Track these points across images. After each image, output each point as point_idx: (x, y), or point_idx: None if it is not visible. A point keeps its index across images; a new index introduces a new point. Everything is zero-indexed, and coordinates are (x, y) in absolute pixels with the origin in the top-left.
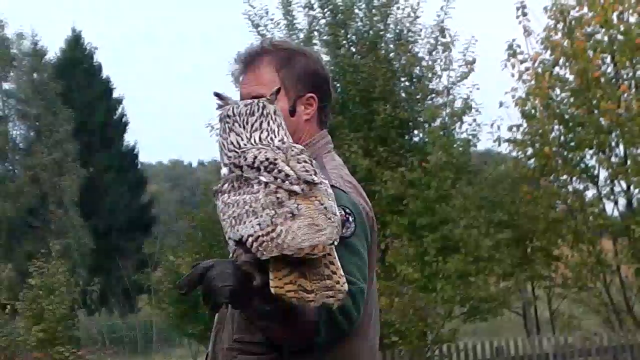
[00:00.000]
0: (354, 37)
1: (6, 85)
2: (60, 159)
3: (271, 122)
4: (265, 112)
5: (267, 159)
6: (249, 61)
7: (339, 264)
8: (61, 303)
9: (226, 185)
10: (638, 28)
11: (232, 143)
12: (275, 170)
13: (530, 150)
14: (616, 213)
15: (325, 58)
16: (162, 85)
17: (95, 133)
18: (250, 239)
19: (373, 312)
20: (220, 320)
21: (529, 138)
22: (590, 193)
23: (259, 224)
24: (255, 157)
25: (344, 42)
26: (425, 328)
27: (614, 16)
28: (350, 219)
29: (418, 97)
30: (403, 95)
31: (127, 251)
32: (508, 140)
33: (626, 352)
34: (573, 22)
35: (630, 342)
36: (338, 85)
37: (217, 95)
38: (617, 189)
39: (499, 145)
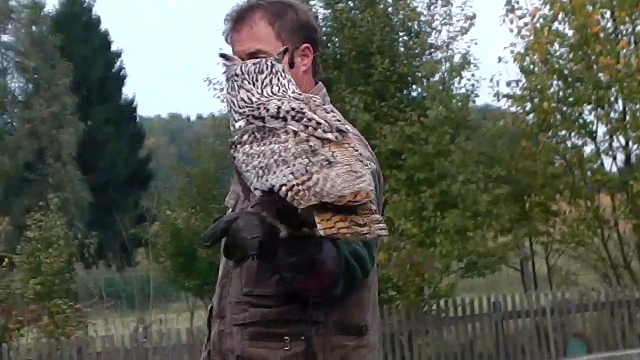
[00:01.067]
0: None
1: (4, 38)
2: (58, 112)
3: (281, 78)
4: (274, 70)
5: (293, 109)
6: (240, 19)
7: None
8: (59, 256)
9: (245, 136)
10: None
11: (242, 99)
12: (305, 119)
13: (529, 106)
14: (614, 169)
15: (324, 12)
16: (161, 39)
17: (93, 86)
18: (283, 189)
19: (375, 282)
20: (226, 274)
21: (527, 93)
22: (588, 149)
23: (292, 173)
24: (279, 107)
25: None
26: (423, 283)
27: None
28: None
29: (417, 51)
30: (402, 50)
31: (125, 205)
32: (507, 96)
33: (623, 308)
34: None
35: (628, 297)
36: (336, 39)
37: (222, 55)
38: (615, 144)
39: (498, 100)
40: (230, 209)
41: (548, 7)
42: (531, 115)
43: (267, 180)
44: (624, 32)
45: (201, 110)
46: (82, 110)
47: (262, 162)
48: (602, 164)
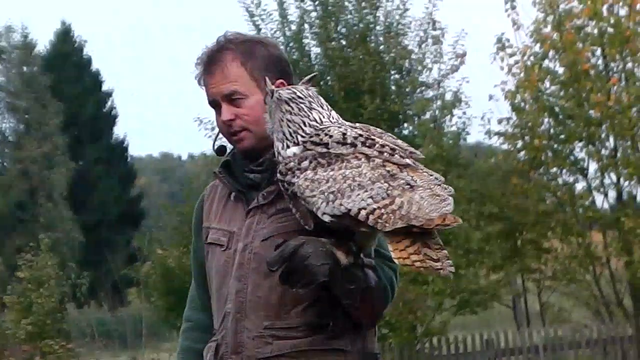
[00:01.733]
0: (343, 30)
1: None
2: (49, 152)
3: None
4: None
5: (360, 135)
6: (211, 61)
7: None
8: (50, 296)
9: (306, 162)
10: (627, 20)
11: (315, 120)
12: (378, 145)
13: (520, 143)
14: (606, 205)
15: (316, 51)
16: (151, 79)
17: (84, 126)
18: (363, 212)
19: None
20: (239, 309)
21: (518, 131)
22: (580, 186)
23: (371, 197)
24: (345, 134)
25: (334, 35)
26: (416, 321)
27: (604, 8)
28: None
29: (408, 90)
30: (393, 88)
31: (117, 245)
32: (498, 133)
33: (616, 344)
34: (562, 15)
35: (620, 334)
36: (328, 78)
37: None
38: (606, 181)
39: (489, 138)
40: (223, 247)
41: (538, 45)
42: (522, 153)
43: (340, 205)
44: (615, 69)
45: (192, 149)
46: (73, 150)
47: (333, 187)
48: (593, 201)
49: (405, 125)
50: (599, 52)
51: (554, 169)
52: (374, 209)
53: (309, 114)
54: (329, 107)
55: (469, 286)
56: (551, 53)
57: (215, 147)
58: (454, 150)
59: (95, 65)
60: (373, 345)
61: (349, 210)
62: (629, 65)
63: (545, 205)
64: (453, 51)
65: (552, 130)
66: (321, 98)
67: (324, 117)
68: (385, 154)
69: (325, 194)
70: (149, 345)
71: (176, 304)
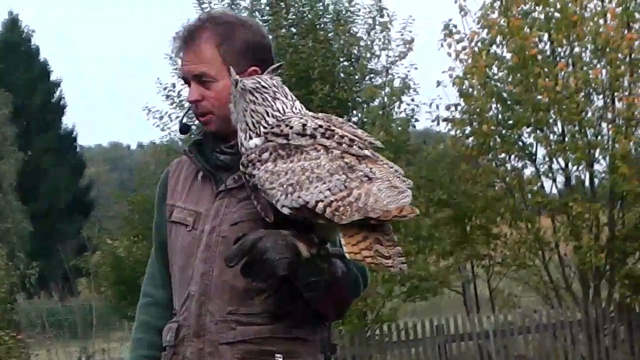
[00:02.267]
0: (294, 17)
1: None
2: None
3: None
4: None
5: (320, 126)
6: (188, 38)
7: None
8: None
9: (266, 154)
10: (574, 5)
11: (278, 110)
12: (337, 136)
13: (468, 129)
14: (555, 191)
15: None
16: (100, 68)
17: (33, 116)
18: (320, 205)
19: None
20: (204, 292)
21: (467, 117)
22: (528, 171)
23: (329, 189)
24: (305, 125)
25: (284, 22)
26: (366, 308)
27: None
28: None
29: (357, 77)
30: (342, 75)
31: (67, 235)
32: (446, 120)
33: (565, 329)
34: (509, 1)
35: (570, 318)
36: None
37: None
38: (555, 166)
39: (438, 124)
40: (188, 227)
41: (486, 30)
42: (471, 139)
43: (299, 197)
44: (562, 54)
45: (142, 138)
46: (22, 140)
47: (292, 179)
48: (542, 186)
49: (355, 112)
50: (546, 37)
51: (503, 155)
52: (331, 202)
53: (273, 104)
54: (293, 97)
55: (419, 272)
56: (499, 39)
57: (180, 125)
58: (402, 137)
59: (43, 55)
60: (332, 334)
61: (307, 202)
62: (576, 49)
63: (494, 191)
64: (401, 38)
65: (500, 116)
66: (285, 88)
67: (287, 107)
68: (344, 145)
69: (284, 186)
70: (99, 335)
71: (126, 294)
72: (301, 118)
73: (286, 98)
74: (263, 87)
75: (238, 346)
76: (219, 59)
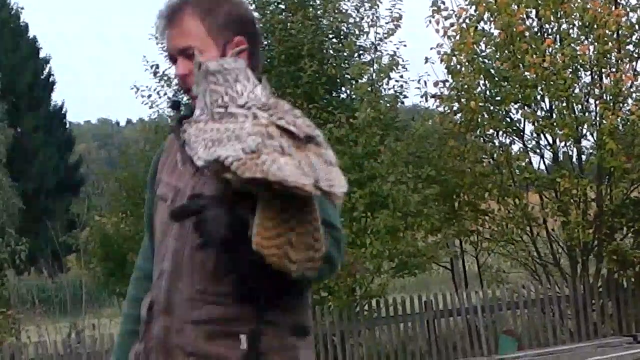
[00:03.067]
0: None
1: None
2: None
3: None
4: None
5: (264, 104)
6: (171, 14)
7: (321, 229)
8: None
9: (203, 116)
10: None
11: (236, 92)
12: (271, 110)
13: (456, 106)
14: (542, 167)
15: (255, 15)
16: (89, 45)
17: (22, 93)
18: (230, 158)
19: None
20: (175, 269)
21: (455, 93)
22: (516, 147)
23: (242, 149)
24: (247, 102)
25: (272, 0)
26: (354, 284)
27: None
28: None
29: (346, 54)
30: (331, 52)
31: (56, 211)
32: (434, 96)
33: (553, 305)
34: None
35: (558, 294)
36: (266, 43)
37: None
38: (542, 142)
39: (426, 100)
40: (167, 202)
41: (474, 7)
42: (459, 115)
43: (214, 151)
44: (550, 30)
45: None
46: (11, 118)
47: (214, 136)
48: (530, 162)
49: (343, 89)
50: (533, 13)
51: (490, 131)
52: (240, 158)
53: (233, 85)
54: (255, 81)
55: (407, 248)
56: (486, 15)
57: (171, 101)
58: (391, 113)
59: (32, 33)
60: (305, 317)
61: (219, 156)
62: (564, 26)
63: (481, 167)
64: (390, 15)
65: (487, 92)
66: (249, 71)
67: (246, 90)
68: (273, 117)
69: (206, 141)
70: (89, 311)
71: (115, 270)
72: (249, 98)
73: (247, 81)
74: (225, 69)
75: (204, 326)
76: (204, 32)
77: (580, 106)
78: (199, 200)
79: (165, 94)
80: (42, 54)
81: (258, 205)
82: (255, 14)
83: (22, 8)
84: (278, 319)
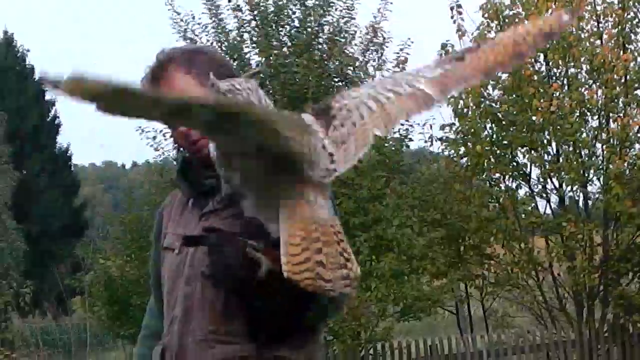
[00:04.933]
0: (286, 39)
1: None
2: None
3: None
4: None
5: None
6: (156, 78)
7: (350, 249)
8: None
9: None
10: (570, 27)
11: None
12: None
13: (462, 149)
14: (548, 211)
15: (258, 59)
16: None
17: (28, 136)
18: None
19: None
20: (186, 313)
21: (461, 137)
22: (522, 191)
23: None
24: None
25: (276, 43)
26: (359, 327)
27: (547, 15)
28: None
29: None
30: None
31: (61, 254)
32: (440, 139)
33: (559, 349)
34: (506, 21)
35: (563, 338)
36: (270, 86)
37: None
38: (549, 186)
39: (432, 144)
40: (175, 250)
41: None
42: (465, 159)
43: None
44: (557, 74)
45: (136, 157)
46: (17, 160)
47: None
48: (536, 206)
49: None
50: (541, 57)
51: (497, 175)
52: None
53: (265, 99)
54: (267, 100)
55: (412, 292)
56: None
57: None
58: (396, 157)
59: (38, 75)
60: (317, 354)
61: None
62: (572, 70)
63: (487, 212)
64: (396, 59)
65: (494, 136)
66: (260, 91)
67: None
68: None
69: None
70: (93, 354)
71: (120, 313)
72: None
73: (259, 102)
74: (237, 89)
75: None
76: (194, 82)
77: (587, 150)
78: (214, 234)
79: (170, 135)
80: (47, 97)
81: (282, 233)
82: (260, 58)
83: (28, 50)
84: (292, 355)
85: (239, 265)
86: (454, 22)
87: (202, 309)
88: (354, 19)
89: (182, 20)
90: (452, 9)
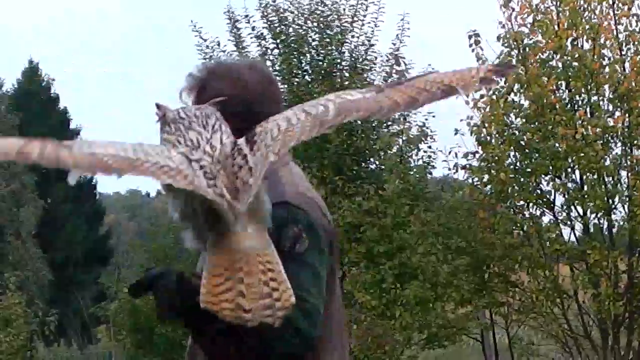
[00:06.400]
0: (307, 67)
1: None
2: (17, 190)
3: (226, 126)
4: (219, 115)
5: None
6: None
7: (283, 278)
8: (18, 335)
9: None
10: (592, 54)
11: (190, 140)
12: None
13: (486, 177)
14: (573, 238)
15: (280, 87)
16: (118, 117)
17: None
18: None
19: (339, 325)
20: (192, 345)
21: (485, 165)
22: (546, 219)
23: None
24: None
25: (298, 71)
26: (384, 355)
27: (568, 42)
28: (304, 235)
29: (374, 124)
30: (359, 122)
31: (86, 282)
32: (464, 167)
33: None
34: (527, 49)
35: None
36: None
37: (157, 105)
38: (573, 214)
39: (456, 172)
40: None
41: (503, 79)
42: (489, 187)
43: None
44: (580, 102)
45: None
46: (41, 188)
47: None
48: (560, 234)
49: (372, 159)
50: (564, 85)
51: (521, 203)
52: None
53: (185, 134)
54: (221, 127)
55: (437, 320)
56: (516, 87)
57: None
58: (420, 185)
59: (62, 104)
60: None
61: None
62: (594, 98)
63: (512, 239)
64: None
65: (518, 164)
66: (212, 118)
67: (202, 138)
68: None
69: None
70: None
71: (144, 341)
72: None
73: (204, 129)
74: (180, 117)
75: None
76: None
77: (611, 178)
78: (151, 271)
79: None
80: (72, 125)
81: (205, 265)
82: (282, 85)
83: (53, 79)
84: None
85: (175, 294)
86: (472, 51)
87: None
88: (374, 45)
89: (207, 47)
90: (470, 37)
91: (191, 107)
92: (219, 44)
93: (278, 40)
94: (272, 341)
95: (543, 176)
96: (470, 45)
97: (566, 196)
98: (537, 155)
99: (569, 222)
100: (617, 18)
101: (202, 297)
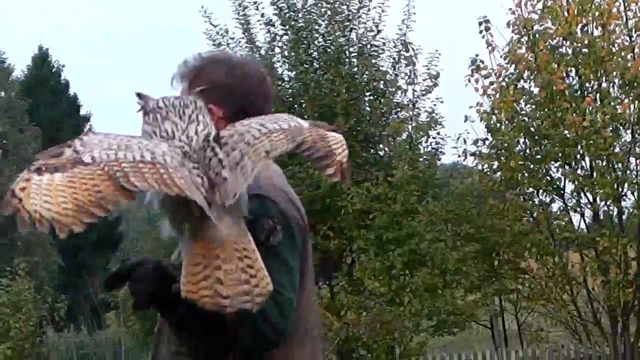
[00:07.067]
0: (315, 54)
1: None
2: None
3: (205, 116)
4: (198, 105)
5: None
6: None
7: (260, 266)
8: (28, 320)
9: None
10: (601, 40)
11: (165, 131)
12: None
13: (495, 164)
14: (582, 225)
15: (288, 74)
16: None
17: None
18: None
19: (308, 319)
20: (159, 332)
21: (494, 151)
22: (556, 206)
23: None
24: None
25: (306, 57)
26: (393, 342)
27: (578, 29)
28: (278, 228)
29: (383, 111)
30: (367, 109)
31: (96, 268)
32: (474, 154)
33: None
34: (537, 36)
35: (598, 353)
36: (302, 101)
37: (138, 95)
38: (583, 201)
39: (465, 158)
40: None
41: (513, 66)
42: (498, 173)
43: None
44: (590, 89)
45: None
46: None
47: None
48: (570, 220)
49: (381, 146)
50: (573, 72)
51: (530, 189)
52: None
53: (161, 124)
54: (197, 118)
55: (446, 307)
56: (526, 74)
57: None
58: (429, 171)
59: (72, 90)
60: None
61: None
62: (604, 85)
63: (521, 226)
64: (427, 72)
65: (527, 151)
66: (190, 108)
67: (178, 129)
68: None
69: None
70: None
71: (154, 328)
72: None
73: (180, 119)
74: (158, 107)
75: None
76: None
77: (620, 165)
78: (128, 261)
79: None
80: (82, 112)
81: (184, 256)
82: (289, 73)
83: (63, 66)
84: None
85: (152, 283)
86: (483, 37)
87: (170, 329)
88: (381, 31)
89: (217, 33)
90: (480, 23)
91: (170, 97)
92: (227, 31)
93: (287, 26)
94: (245, 333)
95: (553, 163)
96: (481, 32)
97: (576, 183)
98: (546, 142)
99: (578, 209)
100: (626, 4)
101: (182, 287)
